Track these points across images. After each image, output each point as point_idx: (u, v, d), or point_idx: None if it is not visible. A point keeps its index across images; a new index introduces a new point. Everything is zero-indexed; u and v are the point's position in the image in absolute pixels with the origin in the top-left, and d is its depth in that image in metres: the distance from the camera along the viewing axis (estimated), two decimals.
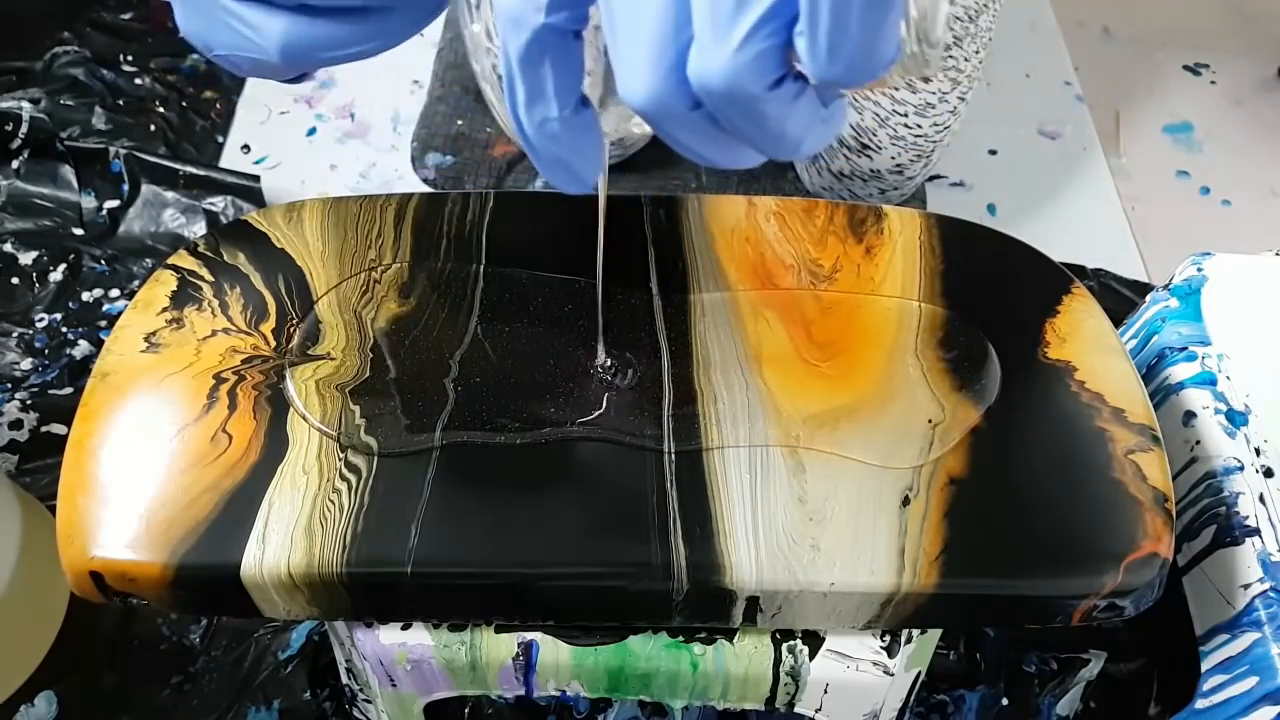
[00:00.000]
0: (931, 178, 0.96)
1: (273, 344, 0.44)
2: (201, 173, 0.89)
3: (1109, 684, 0.63)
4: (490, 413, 0.42)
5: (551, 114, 0.27)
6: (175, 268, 0.47)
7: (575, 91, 0.27)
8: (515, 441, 0.41)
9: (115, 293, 0.83)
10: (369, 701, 0.51)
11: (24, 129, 0.89)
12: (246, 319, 0.44)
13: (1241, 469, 0.52)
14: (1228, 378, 0.55)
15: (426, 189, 0.87)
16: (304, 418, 0.41)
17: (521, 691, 0.46)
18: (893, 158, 0.77)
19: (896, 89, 0.73)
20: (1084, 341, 0.45)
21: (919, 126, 0.75)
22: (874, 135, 0.76)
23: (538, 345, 0.45)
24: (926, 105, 0.74)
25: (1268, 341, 0.57)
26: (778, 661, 0.44)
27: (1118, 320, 0.55)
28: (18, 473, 0.71)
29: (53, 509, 0.53)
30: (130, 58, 1.03)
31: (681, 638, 0.44)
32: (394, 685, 0.47)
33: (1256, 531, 0.51)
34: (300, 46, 0.31)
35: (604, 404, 0.42)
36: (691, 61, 0.24)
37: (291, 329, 0.44)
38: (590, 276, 0.47)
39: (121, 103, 0.98)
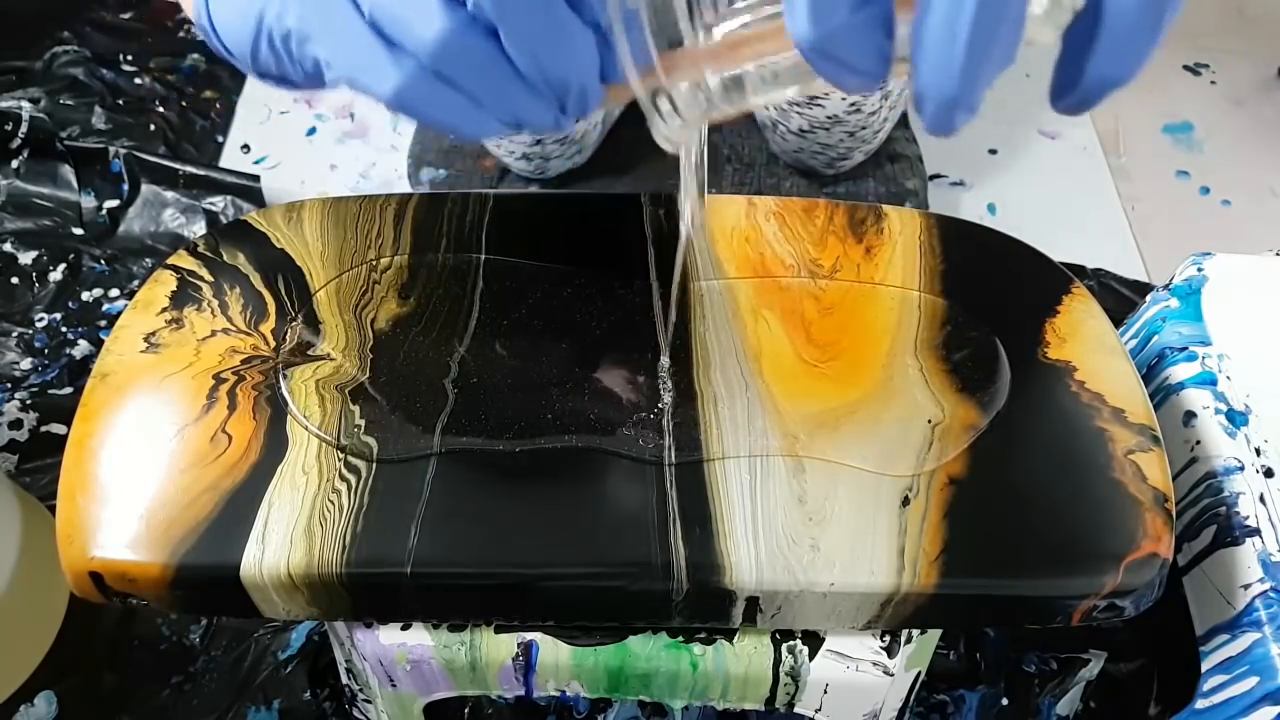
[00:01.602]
0: (932, 176, 0.96)
1: (272, 344, 0.44)
2: (201, 173, 0.89)
3: (1109, 684, 0.63)
4: (490, 415, 0.42)
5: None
6: (175, 268, 0.47)
7: None
8: (515, 449, 0.41)
9: (115, 293, 0.83)
10: (369, 701, 0.51)
11: (24, 129, 0.89)
12: (246, 319, 0.44)
13: (1241, 469, 0.52)
14: (1228, 378, 0.55)
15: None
16: (304, 426, 0.41)
17: (521, 691, 0.46)
18: (843, 98, 0.77)
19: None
20: (1084, 341, 0.45)
21: None
22: None
23: (537, 345, 0.45)
24: None
25: (1268, 341, 0.57)
26: (778, 661, 0.44)
27: (1118, 320, 0.55)
28: (18, 473, 0.71)
29: (53, 509, 0.53)
30: (130, 57, 1.03)
31: (681, 638, 0.44)
32: (394, 685, 0.47)
33: (1256, 531, 0.51)
34: (412, 98, 0.30)
35: (604, 405, 0.42)
36: None
37: (291, 329, 0.44)
38: (588, 277, 0.47)
39: (121, 102, 0.98)
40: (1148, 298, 0.63)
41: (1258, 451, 0.53)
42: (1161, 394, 0.57)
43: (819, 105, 0.78)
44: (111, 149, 0.89)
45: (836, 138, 0.82)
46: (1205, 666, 0.52)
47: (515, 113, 0.31)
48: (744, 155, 0.91)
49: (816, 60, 0.25)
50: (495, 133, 0.32)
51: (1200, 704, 0.52)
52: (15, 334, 0.79)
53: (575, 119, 0.33)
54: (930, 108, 0.25)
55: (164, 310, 0.45)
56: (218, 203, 0.88)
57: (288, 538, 0.37)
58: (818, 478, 0.40)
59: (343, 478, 0.39)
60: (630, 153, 0.89)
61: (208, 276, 0.46)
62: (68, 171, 0.89)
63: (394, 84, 0.30)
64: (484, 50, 0.29)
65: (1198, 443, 0.54)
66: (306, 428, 0.40)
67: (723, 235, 0.49)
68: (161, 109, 0.98)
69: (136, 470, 0.39)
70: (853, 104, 0.78)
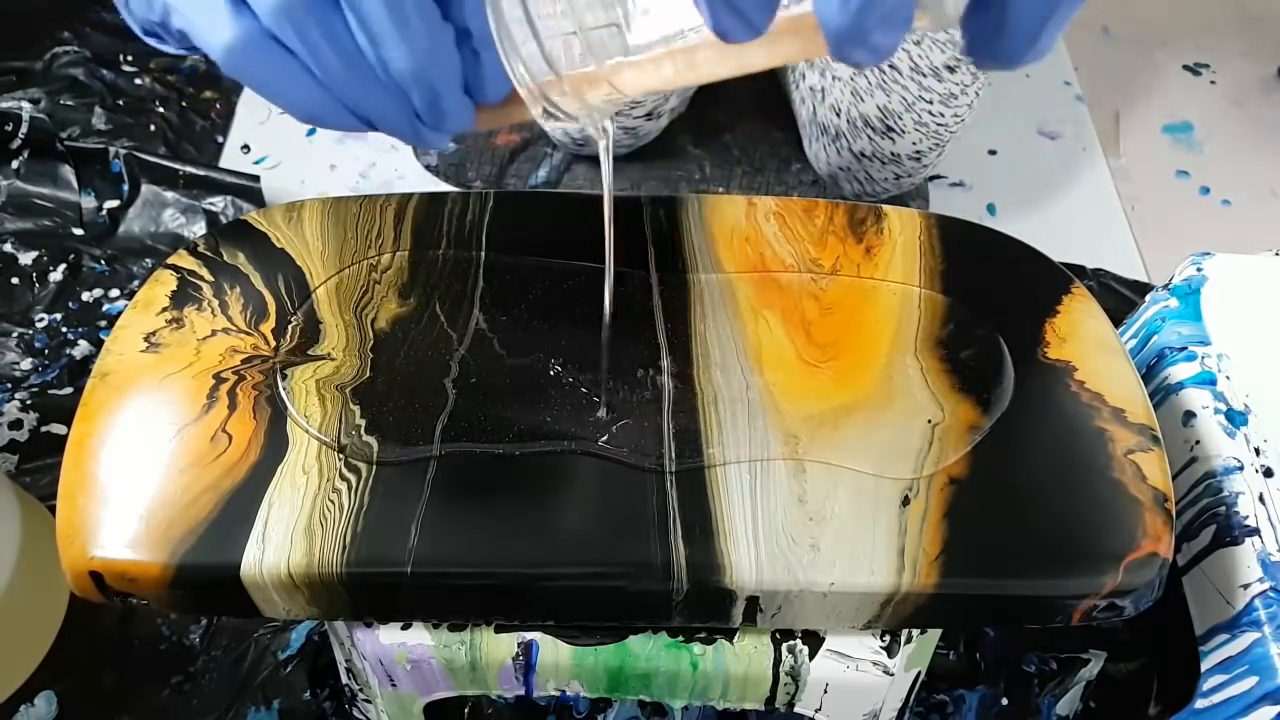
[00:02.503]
0: (931, 177, 0.96)
1: (273, 344, 0.44)
2: (201, 173, 0.89)
3: (1109, 684, 0.63)
4: (490, 416, 0.42)
5: None
6: (175, 268, 0.47)
7: None
8: (515, 452, 0.41)
9: (115, 293, 0.83)
10: (369, 701, 0.51)
11: (24, 129, 0.89)
12: (246, 319, 0.44)
13: (1241, 469, 0.52)
14: (1228, 378, 0.55)
15: (425, 188, 0.87)
16: (305, 429, 0.41)
17: (521, 691, 0.46)
18: (914, 143, 0.78)
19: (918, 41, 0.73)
20: (1084, 341, 0.45)
21: (941, 115, 0.76)
22: (900, 119, 0.77)
23: (538, 345, 0.45)
24: (950, 95, 0.75)
25: (1268, 341, 0.57)
26: (778, 661, 0.44)
27: (1118, 320, 0.55)
28: (18, 473, 0.71)
29: (53, 509, 0.53)
30: (130, 58, 1.03)
31: (681, 638, 0.44)
32: (394, 685, 0.47)
33: (1256, 531, 0.51)
34: (244, 58, 0.28)
35: (604, 406, 0.42)
36: None
37: (291, 329, 0.44)
38: (589, 278, 0.47)
39: (121, 103, 0.98)
40: (1147, 298, 0.63)
41: (1257, 451, 0.53)
42: (1161, 394, 0.57)
43: (890, 139, 0.79)
44: (111, 149, 0.89)
45: (886, 174, 0.83)
46: (1205, 666, 0.52)
47: (358, 101, 0.28)
48: (755, 159, 0.91)
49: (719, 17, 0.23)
50: (343, 123, 0.29)
51: (1200, 704, 0.52)
52: (15, 334, 0.79)
53: (442, 132, 0.29)
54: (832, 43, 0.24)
55: (164, 310, 0.45)
56: (218, 203, 0.88)
57: (288, 537, 0.37)
58: (818, 477, 0.40)
59: (343, 477, 0.39)
60: (665, 149, 0.88)
61: (208, 276, 0.46)
62: (68, 171, 0.89)
63: (228, 38, 0.28)
64: (327, 19, 0.27)
65: (1197, 442, 0.54)
66: (306, 429, 0.40)
67: (723, 235, 0.49)
68: (161, 109, 0.98)
69: (136, 470, 0.39)
70: (916, 151, 0.79)
